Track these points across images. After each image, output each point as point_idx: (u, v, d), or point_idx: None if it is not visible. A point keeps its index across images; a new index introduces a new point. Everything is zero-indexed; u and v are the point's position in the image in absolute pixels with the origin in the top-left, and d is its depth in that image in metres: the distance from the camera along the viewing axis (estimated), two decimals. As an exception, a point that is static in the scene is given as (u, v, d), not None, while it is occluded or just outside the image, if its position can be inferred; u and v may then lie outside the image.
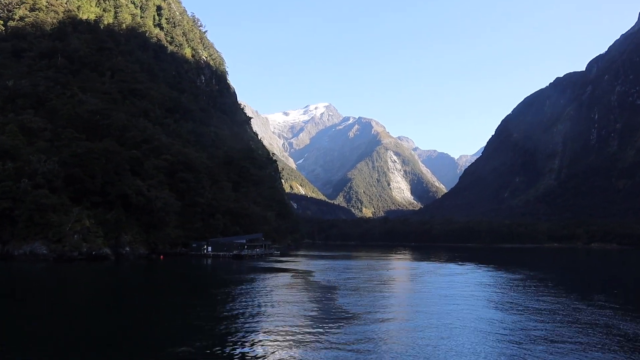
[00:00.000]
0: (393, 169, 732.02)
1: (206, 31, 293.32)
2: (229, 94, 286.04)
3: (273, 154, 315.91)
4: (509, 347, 21.50)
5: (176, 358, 19.25)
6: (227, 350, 20.16)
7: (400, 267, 78.63)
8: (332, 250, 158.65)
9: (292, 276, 54.74)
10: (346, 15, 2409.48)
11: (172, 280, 52.10)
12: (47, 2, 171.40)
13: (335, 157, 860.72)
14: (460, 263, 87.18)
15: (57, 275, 53.05)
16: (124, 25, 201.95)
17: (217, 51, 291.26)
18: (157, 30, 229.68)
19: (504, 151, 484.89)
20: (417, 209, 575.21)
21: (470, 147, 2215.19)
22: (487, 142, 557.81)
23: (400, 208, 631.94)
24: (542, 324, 27.36)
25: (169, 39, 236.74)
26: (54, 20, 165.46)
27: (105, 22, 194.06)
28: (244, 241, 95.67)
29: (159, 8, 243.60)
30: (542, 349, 21.17)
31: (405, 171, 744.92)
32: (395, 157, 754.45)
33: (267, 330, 24.62)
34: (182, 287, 44.46)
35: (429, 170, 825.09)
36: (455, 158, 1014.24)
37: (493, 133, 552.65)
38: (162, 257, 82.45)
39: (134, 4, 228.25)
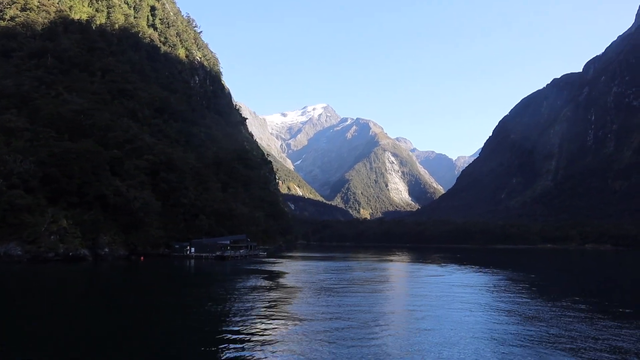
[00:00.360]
0: (391, 170, 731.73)
1: (201, 32, 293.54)
2: (223, 95, 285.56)
3: (268, 154, 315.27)
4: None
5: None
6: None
7: (379, 268, 77.79)
8: (323, 252, 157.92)
9: (262, 278, 53.95)
10: (344, 16, 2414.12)
11: (123, 284, 51.16)
12: (38, 2, 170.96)
13: (333, 158, 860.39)
14: (443, 265, 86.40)
15: (27, 276, 52.24)
16: (116, 26, 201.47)
17: (212, 52, 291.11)
18: (150, 31, 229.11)
19: (501, 152, 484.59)
20: (414, 210, 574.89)
21: (469, 148, 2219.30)
22: (485, 143, 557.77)
23: (398, 209, 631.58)
24: (514, 326, 26.56)
25: (162, 39, 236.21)
26: (45, 20, 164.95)
27: (98, 23, 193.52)
28: (228, 242, 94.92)
29: (152, 8, 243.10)
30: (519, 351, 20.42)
31: (403, 172, 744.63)
32: (393, 158, 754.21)
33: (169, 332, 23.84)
34: (131, 292, 43.61)
35: (426, 172, 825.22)
36: (453, 159, 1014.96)
37: (490, 134, 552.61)
38: (142, 258, 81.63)
39: (127, 4, 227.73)
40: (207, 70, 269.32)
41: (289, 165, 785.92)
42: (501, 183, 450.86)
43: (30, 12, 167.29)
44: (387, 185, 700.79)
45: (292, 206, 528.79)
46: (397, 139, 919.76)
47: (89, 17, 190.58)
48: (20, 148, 76.23)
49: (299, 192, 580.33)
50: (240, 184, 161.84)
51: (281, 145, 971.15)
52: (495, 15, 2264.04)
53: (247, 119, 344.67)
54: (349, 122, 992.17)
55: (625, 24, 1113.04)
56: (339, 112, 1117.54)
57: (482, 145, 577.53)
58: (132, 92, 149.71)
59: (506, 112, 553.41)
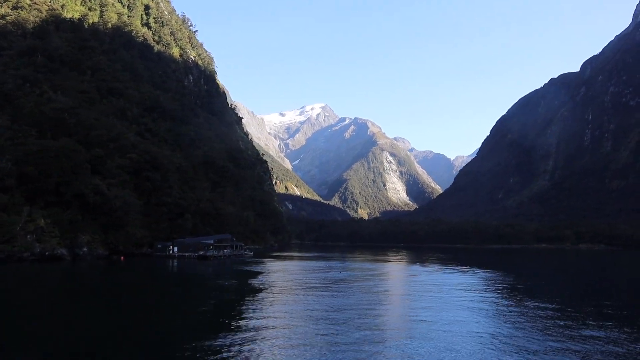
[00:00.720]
0: (389, 169, 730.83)
1: (196, 31, 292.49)
2: (217, 94, 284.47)
3: (263, 154, 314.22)
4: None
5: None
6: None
7: (358, 268, 76.98)
8: (313, 252, 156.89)
9: (233, 278, 53.26)
10: (342, 15, 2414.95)
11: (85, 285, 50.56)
12: (30, 0, 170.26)
13: (331, 157, 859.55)
14: (425, 265, 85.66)
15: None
16: (109, 24, 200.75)
17: (206, 51, 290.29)
18: (144, 30, 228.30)
19: (498, 152, 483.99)
20: (412, 209, 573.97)
21: (467, 148, 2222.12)
22: (482, 143, 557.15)
23: (395, 209, 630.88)
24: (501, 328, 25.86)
25: (156, 38, 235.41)
26: (37, 19, 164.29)
27: (90, 21, 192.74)
28: (211, 242, 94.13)
29: (146, 7, 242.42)
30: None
31: (401, 172, 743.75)
32: (391, 158, 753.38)
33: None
34: (85, 294, 42.91)
35: (424, 171, 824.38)
36: (452, 159, 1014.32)
37: (488, 134, 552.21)
38: (122, 258, 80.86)
39: (121, 3, 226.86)
40: (202, 70, 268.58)
41: (287, 165, 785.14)
42: (499, 182, 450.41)
43: (22, 10, 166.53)
44: (385, 185, 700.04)
45: (290, 206, 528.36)
46: (395, 138, 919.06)
47: (81, 15, 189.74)
48: (-2, 146, 75.50)
49: (297, 192, 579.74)
50: (231, 184, 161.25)
51: (279, 144, 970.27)
52: (493, 15, 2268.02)
53: (242, 118, 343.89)
54: (347, 121, 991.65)
55: (622, 24, 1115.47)
56: (337, 112, 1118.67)
57: (480, 144, 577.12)
58: (122, 91, 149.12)
59: (504, 112, 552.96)
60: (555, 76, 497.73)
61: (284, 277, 56.97)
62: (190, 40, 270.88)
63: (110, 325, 25.67)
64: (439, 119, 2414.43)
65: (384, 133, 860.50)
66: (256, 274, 58.61)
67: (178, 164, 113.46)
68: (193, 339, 21.54)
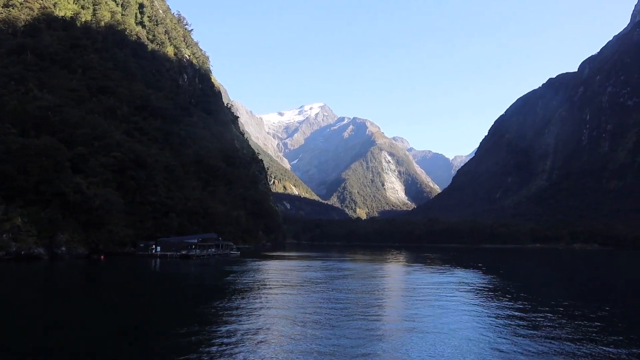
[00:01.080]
0: (387, 169, 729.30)
1: (192, 30, 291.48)
2: (213, 93, 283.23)
3: (259, 153, 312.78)
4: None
5: None
6: None
7: (338, 268, 75.92)
8: (306, 251, 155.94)
9: (203, 278, 52.29)
10: (341, 15, 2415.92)
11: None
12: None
13: (329, 157, 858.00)
14: (410, 264, 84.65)
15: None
16: (102, 23, 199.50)
17: (202, 50, 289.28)
18: (138, 28, 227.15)
19: (497, 152, 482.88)
20: (411, 209, 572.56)
21: (466, 148, 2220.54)
22: (481, 143, 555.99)
23: (394, 209, 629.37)
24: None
25: (150, 37, 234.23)
26: (28, 17, 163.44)
27: (83, 20, 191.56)
28: (195, 241, 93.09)
29: (141, 6, 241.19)
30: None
31: (399, 172, 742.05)
32: (389, 158, 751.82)
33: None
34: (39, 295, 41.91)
35: (423, 171, 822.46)
36: (450, 159, 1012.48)
37: (486, 133, 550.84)
38: (102, 257, 79.80)
39: (115, 1, 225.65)
40: (196, 69, 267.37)
41: (286, 164, 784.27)
42: (497, 182, 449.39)
43: (13, 8, 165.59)
44: (383, 185, 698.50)
45: (288, 205, 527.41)
46: (393, 138, 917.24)
47: (73, 14, 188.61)
48: (-24, 144, 74.59)
49: (295, 192, 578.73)
50: (223, 183, 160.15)
51: (278, 144, 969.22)
52: (491, 15, 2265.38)
53: (238, 117, 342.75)
54: (345, 121, 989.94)
55: (620, 24, 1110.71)
56: (336, 112, 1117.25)
57: (478, 144, 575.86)
58: (112, 90, 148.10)
59: (502, 112, 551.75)
60: (553, 76, 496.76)
61: (258, 276, 55.95)
62: (185, 39, 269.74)
63: (72, 327, 24.73)
64: (438, 118, 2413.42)
65: (382, 133, 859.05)
66: (230, 273, 57.63)
67: (166, 163, 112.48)
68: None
